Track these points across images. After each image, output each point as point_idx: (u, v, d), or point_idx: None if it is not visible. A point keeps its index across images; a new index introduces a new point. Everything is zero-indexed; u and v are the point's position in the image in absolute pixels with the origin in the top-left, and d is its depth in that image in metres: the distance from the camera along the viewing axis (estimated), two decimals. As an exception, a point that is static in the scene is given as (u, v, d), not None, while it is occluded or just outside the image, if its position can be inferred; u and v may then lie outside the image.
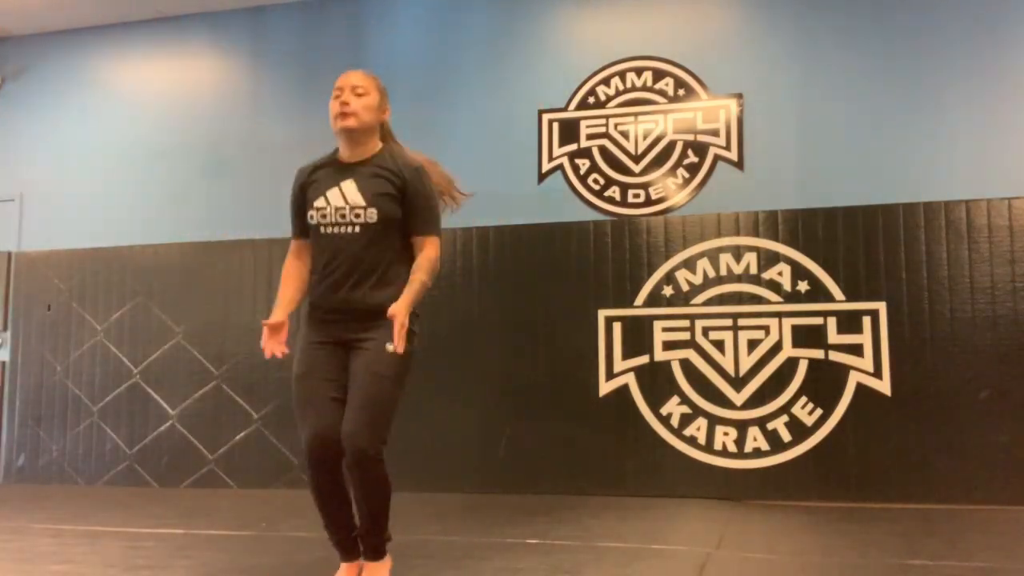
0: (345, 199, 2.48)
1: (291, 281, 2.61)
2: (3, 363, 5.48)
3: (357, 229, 2.46)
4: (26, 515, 4.01)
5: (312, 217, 2.51)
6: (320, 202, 2.50)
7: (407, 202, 2.49)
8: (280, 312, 2.55)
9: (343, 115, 2.49)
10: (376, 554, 2.51)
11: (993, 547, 3.13)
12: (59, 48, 5.80)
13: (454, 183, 2.74)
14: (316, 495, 2.47)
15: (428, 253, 2.49)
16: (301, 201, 2.59)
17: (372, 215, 2.46)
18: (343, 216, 2.47)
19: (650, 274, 4.56)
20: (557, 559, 2.89)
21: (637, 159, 4.75)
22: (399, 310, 2.33)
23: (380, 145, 2.58)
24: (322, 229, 2.50)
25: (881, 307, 4.24)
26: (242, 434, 5.00)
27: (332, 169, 2.55)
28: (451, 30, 5.16)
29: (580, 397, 4.54)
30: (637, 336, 4.52)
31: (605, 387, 4.53)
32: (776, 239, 4.42)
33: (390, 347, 2.32)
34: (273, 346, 2.51)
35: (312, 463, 2.43)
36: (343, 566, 2.54)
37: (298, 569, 2.87)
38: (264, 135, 5.32)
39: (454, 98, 5.07)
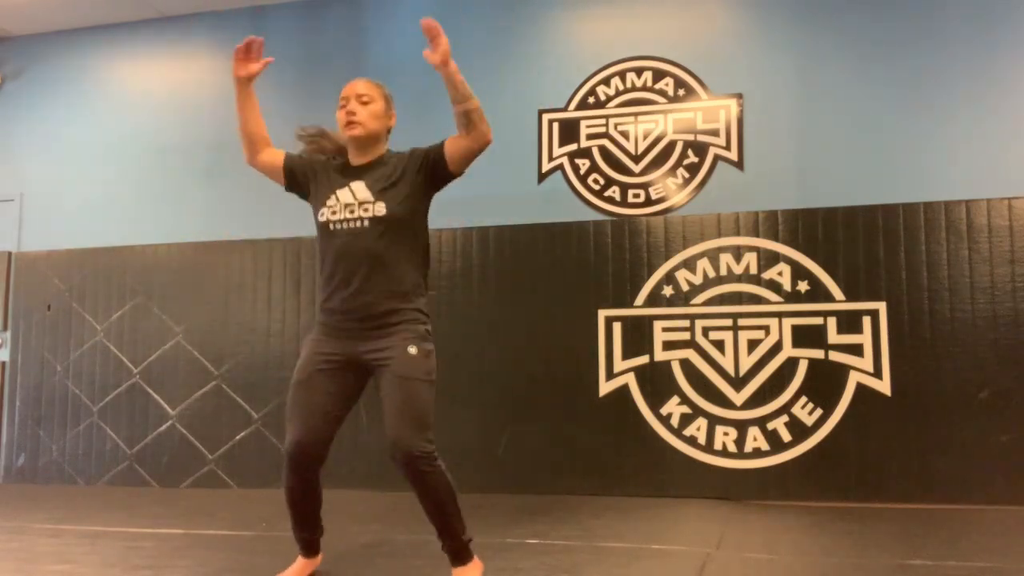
0: (354, 196, 2.53)
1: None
2: (3, 363, 5.48)
3: (366, 224, 2.49)
4: (26, 515, 4.00)
5: (323, 214, 2.55)
6: (331, 200, 2.55)
7: (425, 158, 2.56)
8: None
9: (350, 124, 2.56)
10: (459, 558, 2.51)
11: (993, 547, 3.13)
12: (59, 48, 5.80)
13: None
14: (289, 497, 2.58)
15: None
16: (309, 162, 2.69)
17: (380, 208, 2.49)
18: (352, 212, 2.51)
19: (650, 274, 4.56)
20: (557, 559, 2.89)
21: (637, 159, 4.75)
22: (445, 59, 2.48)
23: (387, 149, 2.65)
24: (331, 226, 2.53)
25: (881, 307, 4.24)
26: (242, 434, 5.00)
27: (344, 171, 2.61)
28: (451, 30, 5.10)
29: (580, 397, 4.54)
30: (637, 336, 4.52)
31: (605, 387, 4.53)
32: (776, 239, 4.42)
33: (412, 350, 2.35)
34: (241, 65, 2.83)
35: (290, 467, 2.53)
36: (299, 559, 2.65)
37: (298, 569, 2.85)
38: (264, 135, 5.31)
39: (454, 98, 5.05)
